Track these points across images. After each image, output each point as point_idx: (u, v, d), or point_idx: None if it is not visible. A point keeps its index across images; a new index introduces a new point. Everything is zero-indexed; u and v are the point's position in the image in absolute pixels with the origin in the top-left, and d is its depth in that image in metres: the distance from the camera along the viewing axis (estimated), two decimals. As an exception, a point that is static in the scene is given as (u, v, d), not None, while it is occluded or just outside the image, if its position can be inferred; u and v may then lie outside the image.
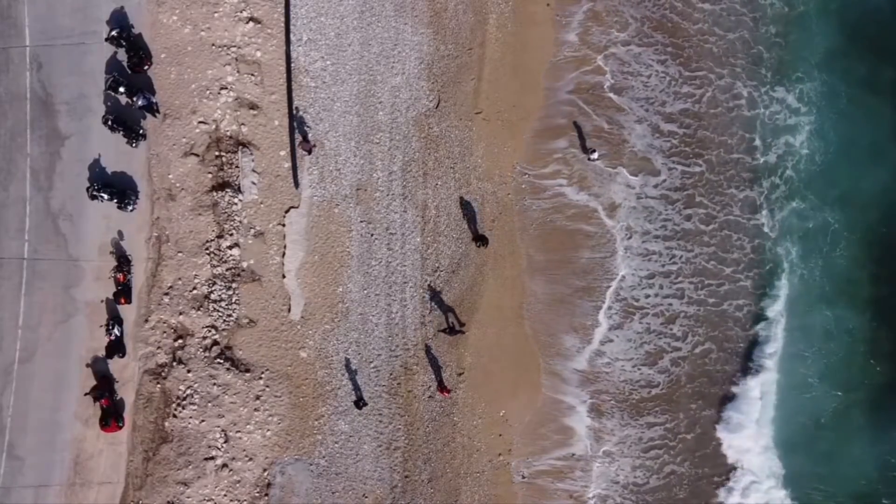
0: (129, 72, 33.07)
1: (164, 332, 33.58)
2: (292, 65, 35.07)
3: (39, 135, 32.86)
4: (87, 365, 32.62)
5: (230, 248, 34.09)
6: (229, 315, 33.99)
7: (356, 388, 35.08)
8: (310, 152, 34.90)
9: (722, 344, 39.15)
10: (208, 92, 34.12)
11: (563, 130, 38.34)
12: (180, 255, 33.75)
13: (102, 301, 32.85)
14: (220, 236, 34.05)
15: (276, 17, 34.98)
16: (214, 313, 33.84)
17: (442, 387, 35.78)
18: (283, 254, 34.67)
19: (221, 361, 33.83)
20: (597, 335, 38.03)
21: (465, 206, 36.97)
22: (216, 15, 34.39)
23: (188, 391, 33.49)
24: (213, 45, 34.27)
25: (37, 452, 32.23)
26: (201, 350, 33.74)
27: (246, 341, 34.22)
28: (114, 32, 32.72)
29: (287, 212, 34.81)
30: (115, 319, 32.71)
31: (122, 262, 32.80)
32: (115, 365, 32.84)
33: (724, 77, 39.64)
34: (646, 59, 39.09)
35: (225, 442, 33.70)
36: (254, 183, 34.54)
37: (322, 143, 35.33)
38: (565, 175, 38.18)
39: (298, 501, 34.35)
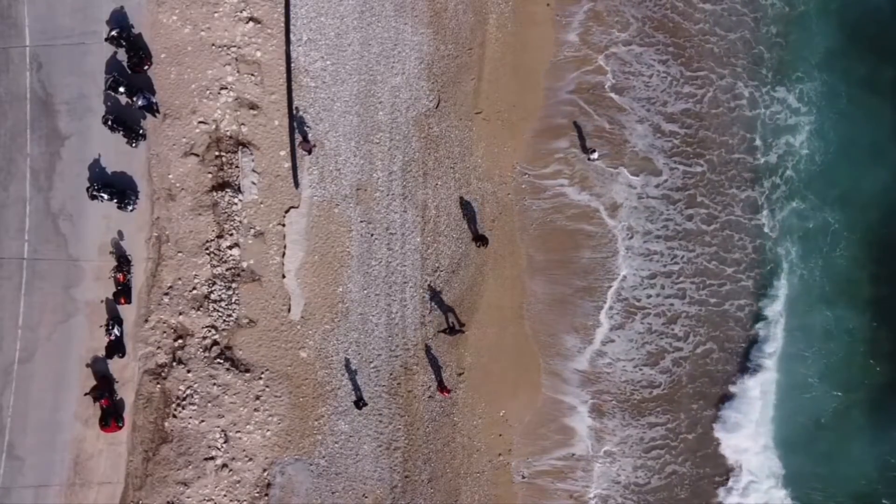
0: (129, 72, 33.03)
1: (164, 332, 33.54)
2: (292, 65, 35.02)
3: (39, 135, 32.81)
4: (87, 365, 32.58)
5: (230, 248, 34.05)
6: (229, 315, 33.95)
7: (356, 388, 35.05)
8: (310, 152, 34.86)
9: (723, 344, 39.13)
10: (208, 92, 34.07)
11: (564, 130, 38.29)
12: (180, 255, 33.71)
13: (102, 301, 32.81)
14: (220, 236, 34.01)
15: (276, 17, 34.93)
16: (214, 313, 33.80)
17: (442, 387, 35.74)
18: (283, 254, 34.63)
19: (221, 361, 33.79)
20: (598, 335, 38.00)
21: (465, 206, 36.93)
22: (216, 15, 34.34)
23: (188, 391, 33.45)
24: (213, 45, 34.22)
25: (37, 452, 32.18)
26: (201, 350, 33.70)
27: (246, 341, 34.18)
28: (114, 32, 32.68)
29: (287, 212, 34.77)
30: (114, 319, 32.67)
31: (122, 262, 32.75)
32: (114, 365, 32.81)
33: (725, 77, 39.63)
34: (647, 59, 39.06)
35: (225, 442, 33.67)
36: (254, 183, 34.50)
37: (322, 143, 35.28)
38: (566, 175, 38.14)
39: (298, 501, 34.32)
